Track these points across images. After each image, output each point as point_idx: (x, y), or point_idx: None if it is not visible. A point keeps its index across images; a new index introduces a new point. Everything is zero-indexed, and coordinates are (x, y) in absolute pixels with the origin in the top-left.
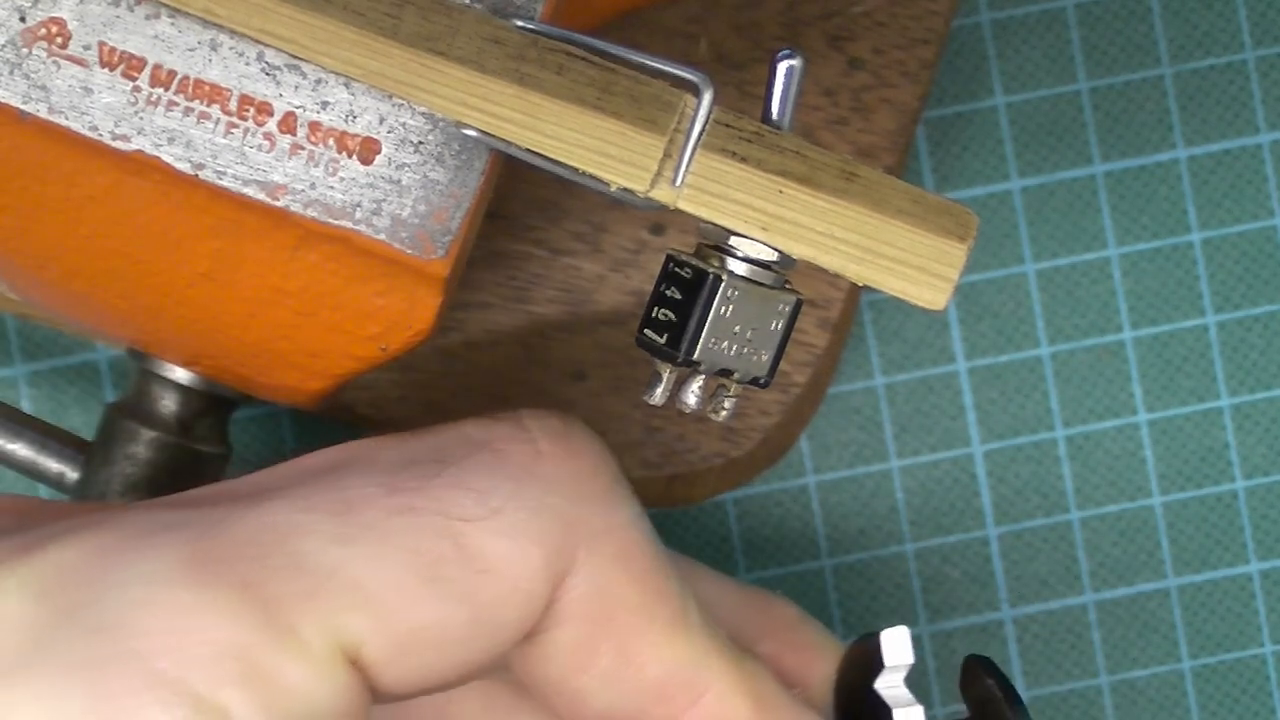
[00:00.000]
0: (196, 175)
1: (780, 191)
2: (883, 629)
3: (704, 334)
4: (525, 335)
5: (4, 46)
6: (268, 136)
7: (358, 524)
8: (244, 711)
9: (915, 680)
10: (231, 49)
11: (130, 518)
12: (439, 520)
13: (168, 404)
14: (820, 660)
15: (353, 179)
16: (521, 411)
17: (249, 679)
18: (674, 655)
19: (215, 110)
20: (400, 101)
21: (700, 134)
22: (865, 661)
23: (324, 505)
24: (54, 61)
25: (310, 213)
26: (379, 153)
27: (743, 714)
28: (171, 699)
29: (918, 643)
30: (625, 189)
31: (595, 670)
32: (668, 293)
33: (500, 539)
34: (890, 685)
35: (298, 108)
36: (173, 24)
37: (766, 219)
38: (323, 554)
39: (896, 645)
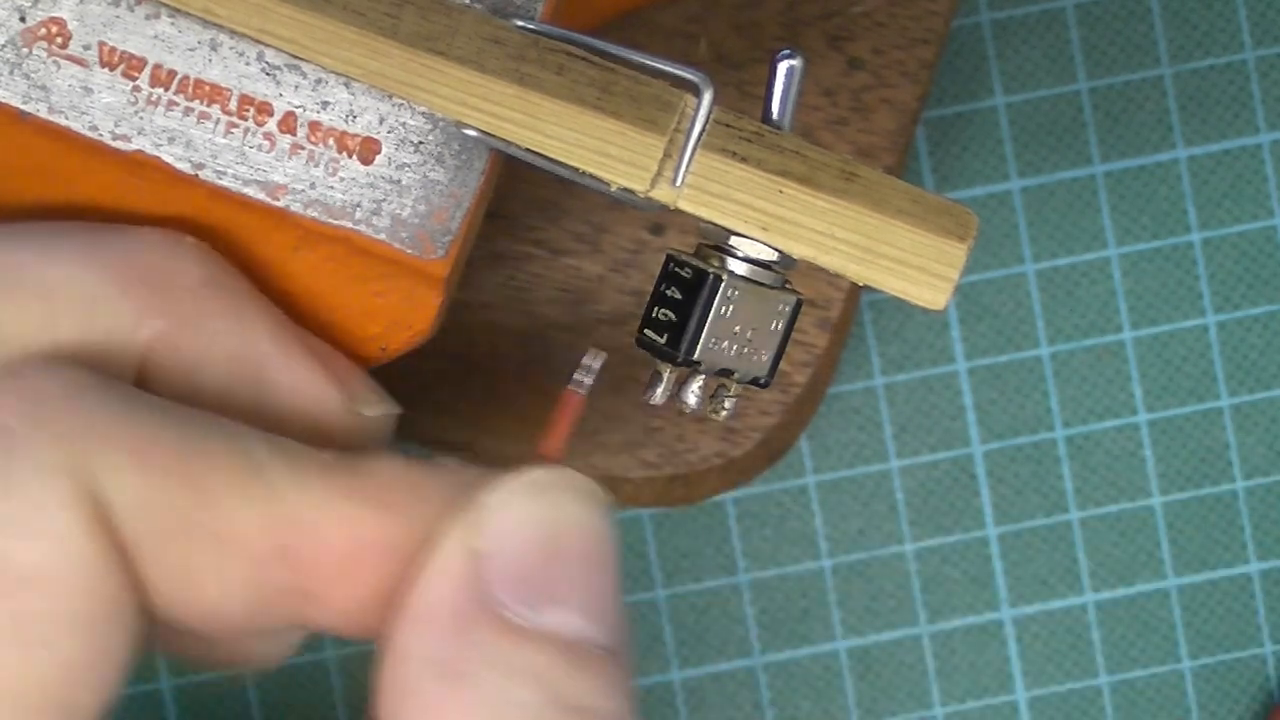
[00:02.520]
0: (196, 175)
1: (780, 191)
2: None
3: (704, 334)
4: (525, 335)
5: (4, 46)
6: (268, 136)
7: None
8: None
9: (916, 682)
10: (231, 49)
11: None
12: None
13: None
14: None
15: (353, 179)
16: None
17: None
18: None
19: (215, 110)
20: (400, 101)
21: (700, 134)
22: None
23: None
24: (54, 61)
25: (310, 213)
26: (379, 153)
27: None
28: None
29: (919, 642)
30: (625, 189)
31: None
32: (668, 293)
33: None
34: None
35: (298, 108)
36: (173, 24)
37: (766, 219)
38: None
39: None
